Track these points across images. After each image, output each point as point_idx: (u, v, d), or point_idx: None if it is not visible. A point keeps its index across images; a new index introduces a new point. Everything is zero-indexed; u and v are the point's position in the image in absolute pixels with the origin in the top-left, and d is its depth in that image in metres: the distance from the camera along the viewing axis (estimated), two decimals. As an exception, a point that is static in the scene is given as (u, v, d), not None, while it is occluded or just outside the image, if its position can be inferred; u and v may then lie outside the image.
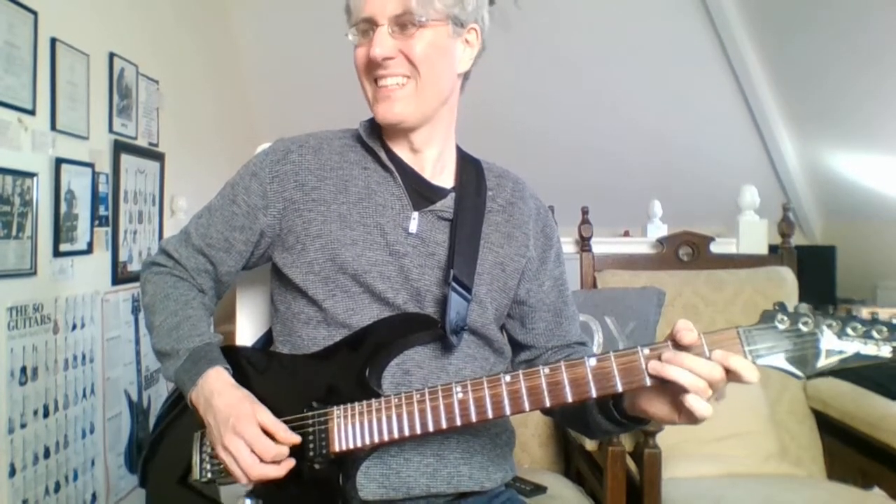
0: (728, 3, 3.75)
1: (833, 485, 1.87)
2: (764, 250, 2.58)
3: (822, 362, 0.83)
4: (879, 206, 3.77)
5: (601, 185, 4.13)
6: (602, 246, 2.47)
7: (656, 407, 0.90)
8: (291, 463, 0.94)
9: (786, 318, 0.85)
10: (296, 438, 0.95)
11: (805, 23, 3.43)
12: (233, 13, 4.12)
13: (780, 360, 0.84)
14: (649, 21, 3.87)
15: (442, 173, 1.11)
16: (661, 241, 2.47)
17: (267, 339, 1.20)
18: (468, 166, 1.13)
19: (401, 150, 1.09)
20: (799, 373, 0.84)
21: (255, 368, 1.06)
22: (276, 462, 0.93)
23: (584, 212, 2.43)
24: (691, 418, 0.86)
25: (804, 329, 0.84)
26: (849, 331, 0.83)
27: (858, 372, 2.09)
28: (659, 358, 0.86)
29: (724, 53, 3.97)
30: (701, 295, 2.22)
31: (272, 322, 1.15)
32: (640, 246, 2.58)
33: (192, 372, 1.01)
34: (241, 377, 1.03)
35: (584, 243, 2.39)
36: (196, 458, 1.02)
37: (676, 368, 0.84)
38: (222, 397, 0.97)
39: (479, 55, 1.10)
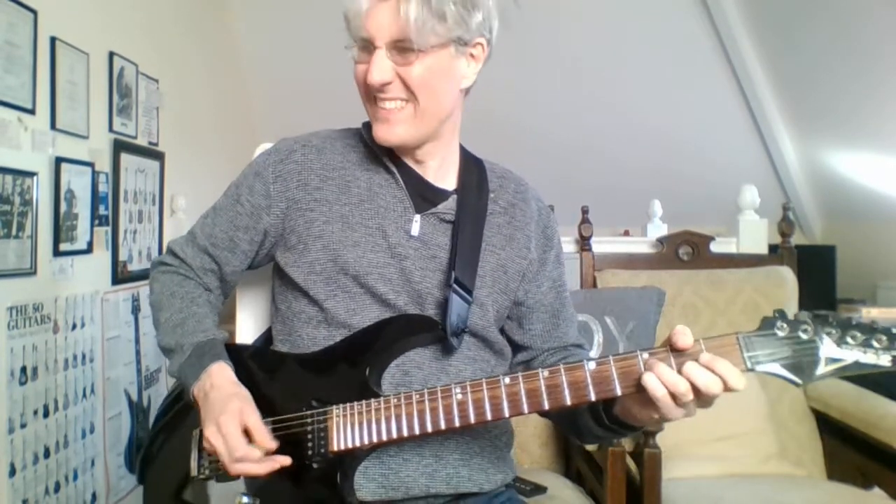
0: (728, 3, 3.75)
1: (833, 485, 1.87)
2: (764, 250, 2.58)
3: (821, 370, 0.83)
4: (879, 206, 3.77)
5: (601, 185, 4.13)
6: (602, 245, 2.47)
7: (636, 409, 0.91)
8: (275, 464, 0.94)
9: (785, 326, 0.85)
10: (270, 444, 0.94)
11: (805, 23, 3.43)
12: (233, 13, 4.12)
13: (778, 368, 0.84)
14: (649, 21, 3.87)
15: (445, 176, 1.11)
16: (661, 241, 2.46)
17: (266, 337, 1.20)
18: (471, 167, 1.13)
19: (404, 158, 1.09)
20: (798, 380, 0.84)
21: (255, 367, 1.07)
22: (250, 461, 0.93)
23: (584, 211, 2.43)
24: (659, 410, 0.86)
25: (804, 336, 0.84)
26: (848, 339, 0.83)
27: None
28: (652, 361, 0.86)
29: (725, 53, 3.97)
30: (701, 294, 2.22)
31: (272, 320, 1.16)
32: (640, 245, 2.58)
33: (195, 367, 1.02)
34: (242, 375, 1.03)
35: (584, 243, 2.39)
36: (194, 456, 1.02)
37: (653, 378, 0.84)
38: (218, 391, 0.98)
39: (486, 61, 1.07)
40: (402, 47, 0.96)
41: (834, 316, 0.85)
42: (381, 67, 0.97)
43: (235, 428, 0.93)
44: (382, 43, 0.96)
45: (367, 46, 0.98)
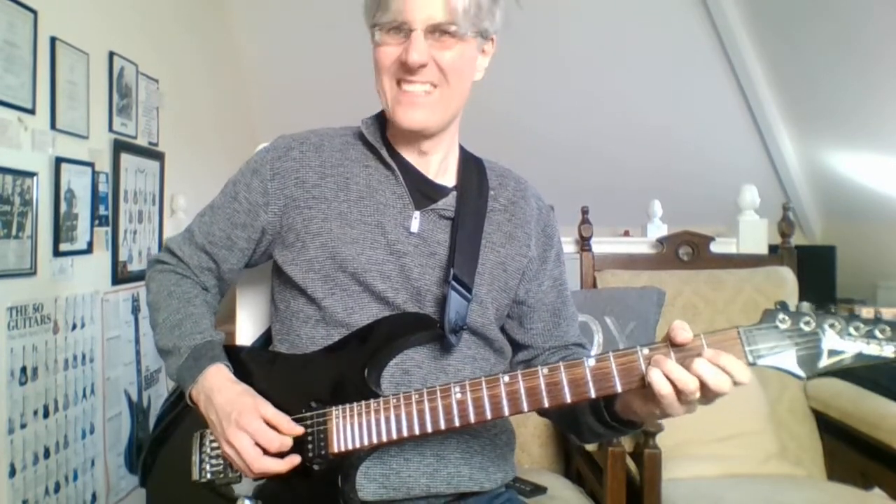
0: (728, 3, 3.75)
1: (833, 485, 1.86)
2: (764, 250, 2.58)
3: (824, 362, 0.82)
4: (879, 206, 3.77)
5: (601, 185, 4.13)
6: (602, 246, 2.47)
7: (637, 404, 0.90)
8: (296, 459, 0.94)
9: (787, 318, 0.83)
10: (299, 430, 0.95)
11: (805, 23, 3.43)
12: (233, 13, 4.11)
13: (781, 361, 0.83)
14: (650, 21, 3.87)
15: (445, 173, 1.11)
16: (661, 241, 2.46)
17: (266, 337, 1.20)
18: (471, 165, 1.13)
19: (406, 152, 1.09)
20: (801, 373, 0.83)
21: (254, 368, 1.06)
22: (280, 455, 0.94)
23: (584, 211, 2.43)
24: (661, 406, 0.85)
25: (806, 329, 0.83)
26: (851, 330, 0.81)
27: (858, 372, 2.09)
28: (657, 357, 0.85)
29: (725, 53, 3.97)
30: (701, 294, 2.22)
31: (271, 321, 1.15)
32: (640, 246, 2.58)
33: (193, 369, 1.01)
34: (241, 376, 1.03)
35: (584, 243, 2.39)
36: (195, 459, 1.02)
37: (659, 374, 0.83)
38: (223, 393, 0.98)
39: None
40: (442, 31, 0.98)
41: (836, 308, 0.84)
42: (420, 49, 0.98)
43: (260, 423, 0.94)
44: (421, 26, 0.98)
45: (401, 29, 0.99)
